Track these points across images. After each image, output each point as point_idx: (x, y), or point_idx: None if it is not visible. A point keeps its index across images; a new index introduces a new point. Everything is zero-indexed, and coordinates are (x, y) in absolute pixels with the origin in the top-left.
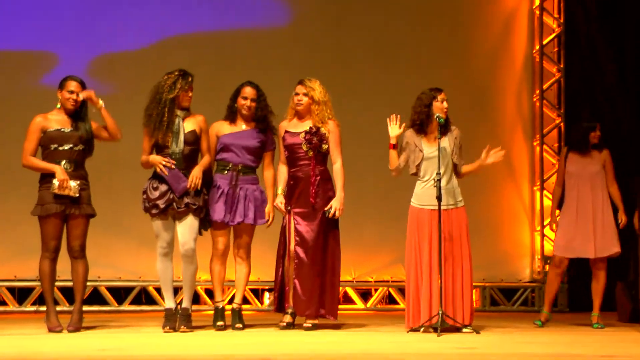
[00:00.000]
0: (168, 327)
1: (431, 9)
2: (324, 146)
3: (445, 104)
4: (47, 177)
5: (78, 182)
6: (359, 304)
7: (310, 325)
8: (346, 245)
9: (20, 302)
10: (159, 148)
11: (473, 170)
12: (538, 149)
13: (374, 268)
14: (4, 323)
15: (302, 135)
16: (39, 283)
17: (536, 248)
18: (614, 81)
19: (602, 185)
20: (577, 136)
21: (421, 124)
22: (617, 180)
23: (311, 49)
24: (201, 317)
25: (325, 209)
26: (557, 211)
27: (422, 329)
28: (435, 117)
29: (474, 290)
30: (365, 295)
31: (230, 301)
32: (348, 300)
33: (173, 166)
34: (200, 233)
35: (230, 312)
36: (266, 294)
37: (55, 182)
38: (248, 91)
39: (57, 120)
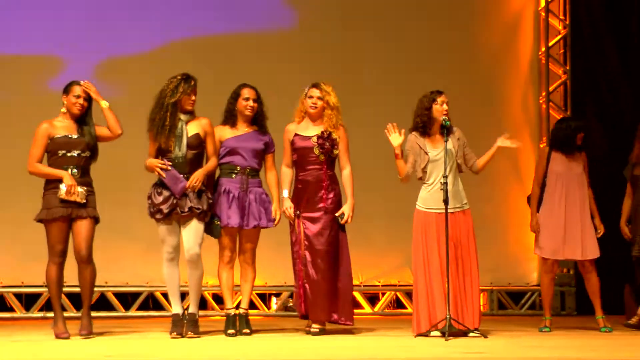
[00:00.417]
0: (175, 333)
1: (437, 11)
2: (335, 151)
3: (445, 107)
4: (53, 182)
5: (85, 189)
6: (367, 308)
7: (317, 329)
8: (353, 249)
9: (28, 308)
10: (162, 152)
11: (489, 159)
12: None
13: (381, 272)
14: (11, 329)
15: (314, 139)
16: (46, 289)
17: None
18: (621, 83)
19: (585, 186)
20: (565, 136)
21: (424, 126)
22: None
23: (317, 52)
24: (209, 322)
25: (337, 214)
26: (537, 214)
27: (430, 334)
28: (441, 119)
29: (481, 294)
30: (372, 299)
31: (237, 306)
32: (355, 304)
33: (169, 167)
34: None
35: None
36: (273, 299)
37: (63, 187)
38: (249, 92)
39: (63, 127)
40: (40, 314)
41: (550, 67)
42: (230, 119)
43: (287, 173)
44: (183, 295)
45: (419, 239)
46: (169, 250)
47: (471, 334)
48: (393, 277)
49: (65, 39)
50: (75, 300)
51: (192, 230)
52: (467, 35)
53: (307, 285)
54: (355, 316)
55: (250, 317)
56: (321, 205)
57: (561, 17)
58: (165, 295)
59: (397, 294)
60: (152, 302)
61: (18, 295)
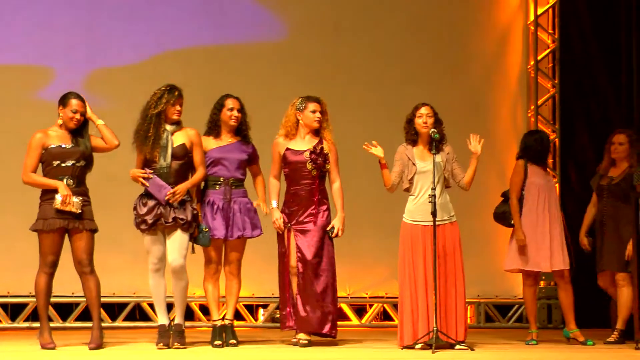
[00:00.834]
0: (162, 344)
1: (427, 23)
2: (327, 166)
3: (424, 119)
4: (49, 192)
5: (80, 199)
6: (354, 320)
7: (306, 341)
8: (341, 261)
9: (13, 318)
10: (148, 163)
11: (473, 173)
12: None
13: (369, 284)
14: None
15: (307, 154)
16: (32, 299)
17: None
18: (609, 97)
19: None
20: (539, 147)
21: (412, 139)
22: None
23: (307, 64)
24: (195, 333)
25: (327, 229)
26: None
27: (416, 346)
28: (429, 132)
29: (468, 307)
30: (360, 311)
31: (223, 318)
32: (343, 316)
33: (151, 176)
34: (193, 251)
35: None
36: (260, 310)
37: (58, 197)
38: (233, 102)
39: (57, 137)
40: (26, 324)
41: (539, 80)
42: (214, 129)
43: (275, 184)
44: (169, 306)
45: (404, 252)
46: (154, 261)
47: (458, 347)
48: (380, 289)
49: (55, 49)
50: (61, 310)
51: (177, 242)
52: (457, 48)
53: (298, 297)
54: (342, 328)
55: (237, 328)
56: (313, 218)
57: (550, 31)
58: (151, 305)
59: (385, 305)
60: (138, 313)
61: (4, 306)
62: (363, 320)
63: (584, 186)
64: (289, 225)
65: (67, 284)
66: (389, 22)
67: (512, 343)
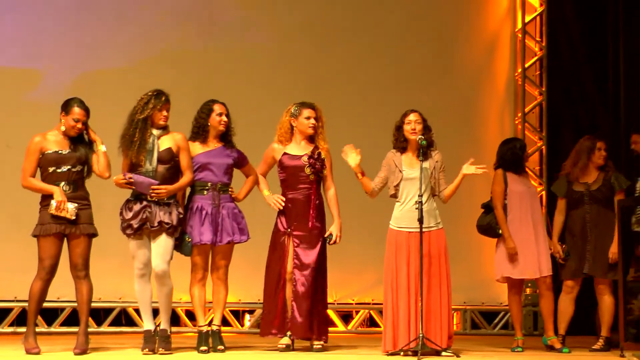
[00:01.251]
0: (147, 349)
1: (415, 30)
2: (324, 171)
3: (412, 126)
4: (47, 198)
5: (76, 205)
6: (340, 326)
7: (320, 346)
8: (328, 267)
9: None
10: (134, 167)
11: (455, 188)
12: None
13: (355, 290)
14: None
15: (305, 159)
16: (17, 304)
17: None
18: (596, 104)
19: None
20: (513, 155)
21: (400, 145)
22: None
23: (296, 69)
24: (182, 338)
25: (325, 235)
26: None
27: (402, 352)
28: (417, 139)
29: (454, 314)
30: (346, 317)
31: (209, 323)
32: (329, 322)
33: (131, 179)
34: (185, 252)
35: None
36: (247, 316)
37: (53, 203)
38: (220, 107)
39: (55, 141)
40: (11, 329)
41: (526, 88)
42: (201, 134)
43: (263, 179)
44: (156, 312)
45: (389, 258)
46: (140, 267)
47: (444, 353)
48: (367, 295)
49: (43, 52)
50: (46, 315)
51: (161, 247)
52: (445, 55)
53: (294, 303)
54: (329, 334)
55: (223, 334)
56: (310, 224)
57: (537, 38)
58: (137, 311)
59: (371, 312)
60: (124, 318)
61: None
62: (349, 327)
63: None
64: (289, 230)
65: (53, 289)
66: (378, 29)
67: (497, 350)
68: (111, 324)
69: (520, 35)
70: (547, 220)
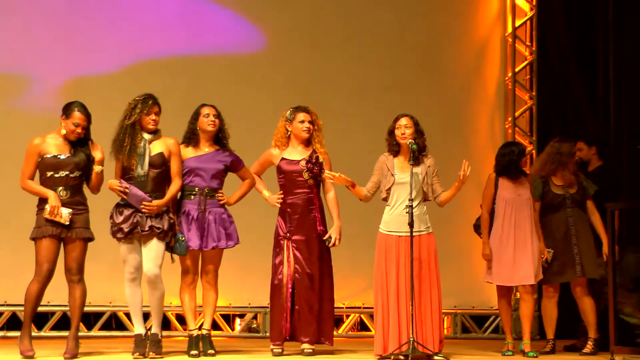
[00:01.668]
0: (137, 354)
1: (406, 35)
2: (323, 175)
3: (402, 130)
4: (44, 202)
5: (70, 211)
6: None
7: (311, 350)
8: None
9: None
10: (125, 171)
11: (453, 194)
12: None
13: (346, 294)
14: None
15: (303, 163)
16: (8, 308)
17: None
18: (586, 108)
19: (532, 211)
20: (509, 161)
21: (393, 150)
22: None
23: (286, 74)
24: (172, 342)
25: (324, 238)
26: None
27: (392, 357)
28: (407, 143)
29: (445, 317)
30: (337, 321)
31: (200, 327)
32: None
33: (127, 189)
34: (172, 260)
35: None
36: (237, 320)
37: (47, 207)
38: (208, 109)
39: (55, 145)
40: (1, 333)
41: (517, 92)
42: (192, 139)
43: (259, 179)
44: (146, 316)
45: (379, 262)
46: (131, 271)
47: (435, 358)
48: (357, 299)
49: (32, 57)
50: (37, 319)
51: (152, 251)
52: (435, 60)
53: (297, 307)
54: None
55: (213, 338)
56: (312, 228)
57: (528, 43)
58: (128, 315)
59: (362, 316)
60: (115, 322)
61: None
62: (340, 331)
63: None
64: (288, 235)
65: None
66: (367, 33)
67: (488, 354)
68: (101, 328)
69: (510, 40)
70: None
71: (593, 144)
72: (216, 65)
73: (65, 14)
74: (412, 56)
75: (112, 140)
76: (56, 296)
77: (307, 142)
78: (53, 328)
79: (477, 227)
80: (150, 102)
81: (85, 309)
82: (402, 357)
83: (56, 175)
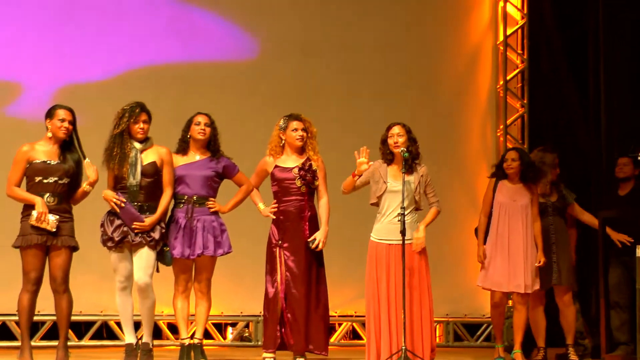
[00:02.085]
0: None
1: (397, 43)
2: (316, 182)
3: (395, 139)
4: (29, 208)
5: (57, 217)
6: None
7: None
8: None
9: None
10: (118, 180)
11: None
12: None
13: (338, 303)
14: None
15: (295, 171)
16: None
17: None
18: (578, 117)
19: (531, 218)
20: (501, 165)
21: (387, 158)
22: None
23: (278, 82)
24: (164, 352)
25: (309, 239)
26: (483, 246)
27: None
28: (399, 152)
29: (437, 325)
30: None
31: (192, 336)
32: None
33: (123, 204)
34: (157, 270)
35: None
36: (229, 329)
37: (34, 213)
38: (201, 117)
39: (44, 152)
40: None
41: (508, 100)
42: (182, 146)
43: (255, 191)
44: (137, 325)
45: (370, 270)
46: (121, 280)
47: None
48: (349, 307)
49: (22, 65)
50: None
51: (143, 259)
52: (427, 68)
53: (289, 315)
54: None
55: (205, 347)
56: (303, 236)
57: (519, 51)
58: (119, 324)
59: (354, 324)
60: (105, 332)
61: None
62: (332, 339)
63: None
64: (280, 242)
65: None
66: (359, 42)
67: None
68: (92, 338)
69: (502, 48)
70: None
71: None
72: (208, 73)
73: (56, 22)
74: (404, 64)
75: (104, 149)
76: (46, 305)
77: (301, 150)
78: (43, 337)
79: (477, 231)
80: (138, 110)
81: (76, 318)
82: None
83: (45, 181)
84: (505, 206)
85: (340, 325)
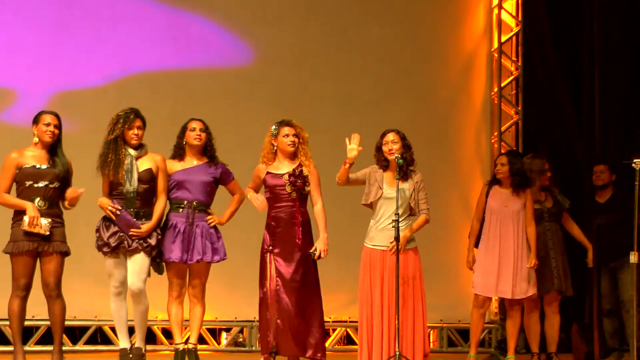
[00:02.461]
0: None
1: (392, 50)
2: (307, 188)
3: (390, 146)
4: (20, 214)
5: (49, 221)
6: None
7: None
8: None
9: None
10: (113, 187)
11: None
12: None
13: (332, 308)
14: None
15: (286, 177)
16: None
17: None
18: (572, 124)
19: (524, 224)
20: (494, 170)
21: (382, 165)
22: (575, 221)
23: (273, 89)
24: (158, 357)
25: (310, 251)
26: (475, 250)
27: None
28: (394, 158)
29: (431, 331)
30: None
31: (186, 341)
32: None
33: (119, 212)
34: (149, 274)
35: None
36: (223, 334)
37: (26, 219)
38: (195, 123)
39: (33, 157)
40: None
41: (503, 107)
42: (178, 152)
43: (252, 191)
44: (132, 330)
45: (364, 276)
46: (116, 285)
47: None
48: (344, 313)
49: (18, 71)
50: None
51: (137, 265)
52: (422, 75)
53: (279, 321)
54: None
55: (200, 352)
56: (294, 242)
57: (513, 58)
58: (113, 329)
59: (348, 330)
60: (100, 337)
61: None
62: (326, 345)
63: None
64: (271, 248)
65: (27, 308)
66: (354, 49)
67: None
68: (87, 343)
69: (496, 55)
70: None
71: None
72: (203, 80)
73: (51, 28)
74: (399, 71)
75: (99, 155)
76: (40, 310)
77: (293, 156)
78: (38, 342)
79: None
80: (132, 116)
81: (70, 323)
82: None
83: (35, 185)
84: (497, 212)
85: (334, 330)
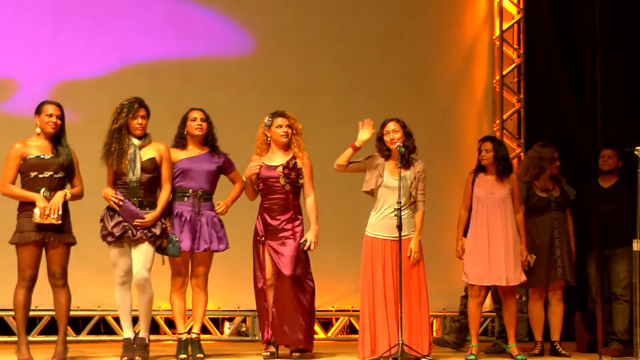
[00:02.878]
0: (126, 358)
1: (393, 38)
2: (301, 180)
3: (391, 136)
4: (26, 205)
5: (60, 209)
6: (320, 333)
7: (299, 355)
8: None
9: None
10: (117, 176)
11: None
12: None
13: (334, 297)
14: None
15: (280, 169)
16: None
17: None
18: (573, 112)
19: (511, 210)
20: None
21: (384, 154)
22: (572, 212)
23: (274, 78)
24: (161, 347)
25: (300, 241)
26: (464, 238)
27: (381, 359)
28: (396, 146)
29: (434, 320)
30: (326, 324)
31: (189, 331)
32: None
33: (121, 202)
34: (163, 262)
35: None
36: (226, 324)
37: (37, 211)
38: (196, 113)
39: (37, 147)
40: None
41: (505, 95)
42: (180, 142)
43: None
44: (135, 320)
45: (365, 265)
46: (121, 274)
47: None
48: (346, 302)
49: (18, 61)
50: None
51: (142, 254)
52: (423, 63)
53: (273, 310)
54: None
55: (203, 342)
56: (287, 233)
57: (515, 46)
58: (116, 319)
59: (351, 319)
60: (103, 327)
61: None
62: (329, 334)
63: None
64: (264, 239)
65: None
66: (355, 37)
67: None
68: (90, 333)
69: (498, 43)
70: None
71: None
72: (204, 69)
73: (52, 18)
74: (400, 60)
75: (103, 145)
76: (45, 300)
77: (287, 147)
78: (41, 332)
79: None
80: (136, 105)
81: (74, 313)
82: None
83: (40, 176)
84: (483, 199)
85: (337, 319)
